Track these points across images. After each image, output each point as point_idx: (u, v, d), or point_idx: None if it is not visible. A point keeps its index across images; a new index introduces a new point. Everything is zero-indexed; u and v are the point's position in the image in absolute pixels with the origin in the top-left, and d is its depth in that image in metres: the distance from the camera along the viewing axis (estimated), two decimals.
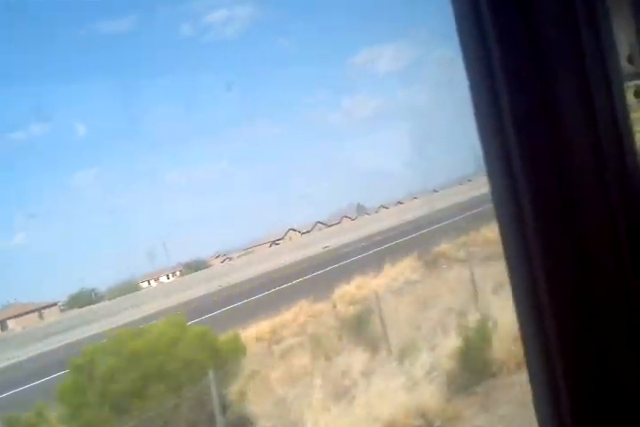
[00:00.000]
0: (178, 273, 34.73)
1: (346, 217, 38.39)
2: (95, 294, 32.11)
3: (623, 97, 0.93)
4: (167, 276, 35.25)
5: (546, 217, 0.93)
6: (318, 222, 38.92)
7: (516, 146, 0.93)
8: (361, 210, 39.86)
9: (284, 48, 36.85)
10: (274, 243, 36.96)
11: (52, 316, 29.23)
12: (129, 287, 30.10)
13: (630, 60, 0.94)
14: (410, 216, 28.60)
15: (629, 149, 0.94)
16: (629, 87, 0.93)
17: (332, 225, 37.65)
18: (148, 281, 34.21)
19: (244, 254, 35.39)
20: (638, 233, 0.94)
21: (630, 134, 0.94)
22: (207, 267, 33.75)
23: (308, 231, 38.53)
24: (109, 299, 29.08)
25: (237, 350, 8.90)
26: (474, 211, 17.17)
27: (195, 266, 33.81)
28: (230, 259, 35.89)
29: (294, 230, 38.30)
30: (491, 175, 0.98)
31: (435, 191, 35.68)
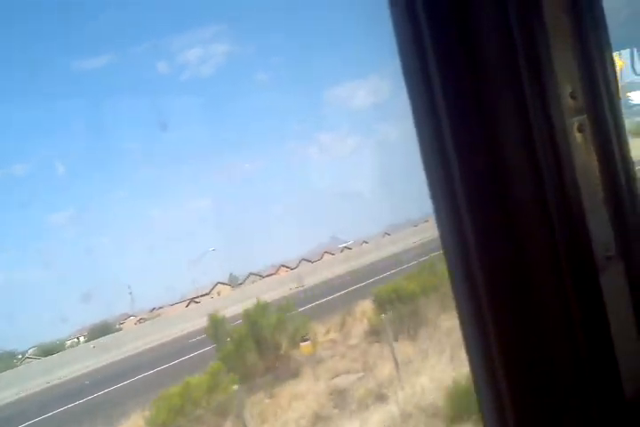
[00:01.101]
0: (82, 338, 31.58)
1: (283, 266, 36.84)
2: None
3: (566, 133, 0.94)
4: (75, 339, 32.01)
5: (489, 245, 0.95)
6: (251, 274, 36.51)
7: (460, 187, 0.94)
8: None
9: (261, 83, 37.51)
10: (193, 300, 34.69)
11: None
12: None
13: (573, 95, 0.95)
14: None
15: (572, 184, 0.95)
16: (574, 122, 0.94)
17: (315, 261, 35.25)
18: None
19: (149, 317, 32.14)
20: (581, 272, 0.95)
21: (573, 171, 0.95)
22: (116, 331, 30.49)
23: (241, 283, 36.10)
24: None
25: None
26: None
27: (101, 330, 30.31)
28: (143, 320, 32.39)
29: (224, 284, 35.89)
30: (436, 210, 0.99)
31: (386, 234, 35.36)
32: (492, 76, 0.93)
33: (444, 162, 0.95)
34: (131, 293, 35.55)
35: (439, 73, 0.93)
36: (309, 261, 36.59)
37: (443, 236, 0.98)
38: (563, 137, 0.94)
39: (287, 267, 36.68)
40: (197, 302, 33.36)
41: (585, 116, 0.96)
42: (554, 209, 0.93)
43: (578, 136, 0.96)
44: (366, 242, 36.16)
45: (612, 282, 0.97)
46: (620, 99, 1.01)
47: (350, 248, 36.76)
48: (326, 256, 36.42)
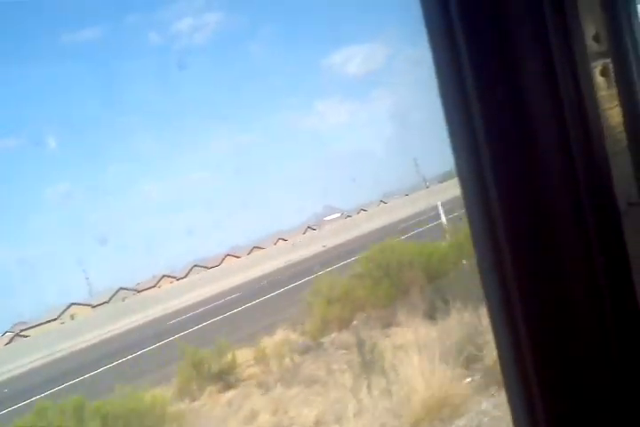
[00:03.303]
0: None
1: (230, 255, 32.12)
2: None
3: (589, 77, 0.93)
4: None
5: (514, 211, 0.94)
6: (195, 265, 31.65)
7: (482, 134, 0.93)
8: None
9: (254, 52, 37.14)
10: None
11: None
12: None
13: (597, 39, 0.93)
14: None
15: (596, 130, 0.93)
16: (597, 66, 0.92)
17: (211, 267, 29.64)
18: None
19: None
20: (608, 233, 0.94)
21: (597, 116, 0.94)
22: None
23: (183, 277, 30.43)
24: None
25: None
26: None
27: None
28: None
29: (169, 276, 30.28)
30: (460, 173, 0.98)
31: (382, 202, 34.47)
32: (515, 21, 0.91)
33: (465, 106, 0.94)
34: (87, 278, 33.22)
35: (461, 23, 0.92)
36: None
37: (463, 181, 0.98)
38: (586, 81, 0.92)
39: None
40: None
41: (609, 59, 0.95)
42: (577, 154, 0.92)
43: (601, 80, 0.94)
44: (364, 210, 35.27)
45: (635, 227, 0.96)
46: None
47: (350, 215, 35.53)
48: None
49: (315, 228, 32.06)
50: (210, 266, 29.47)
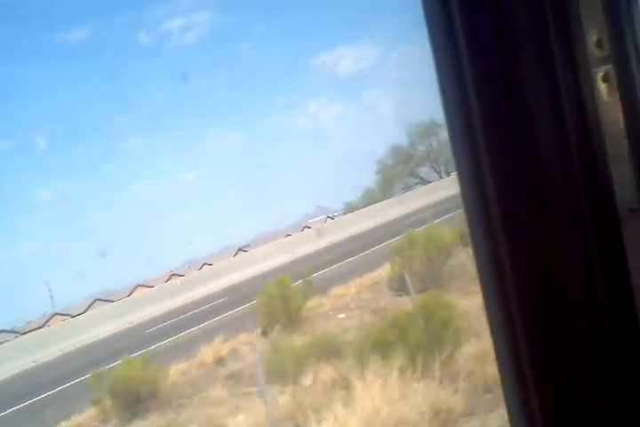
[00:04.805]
0: None
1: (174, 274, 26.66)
2: None
3: (591, 83, 0.93)
4: None
5: (513, 213, 0.94)
6: (139, 285, 25.26)
7: (482, 139, 0.93)
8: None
9: (245, 52, 37.02)
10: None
11: None
12: None
13: (599, 44, 0.93)
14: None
15: (596, 136, 0.94)
16: (599, 72, 0.92)
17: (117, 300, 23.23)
18: None
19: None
20: (608, 239, 0.94)
21: (598, 122, 0.94)
22: None
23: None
24: None
25: None
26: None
27: None
28: None
29: (61, 315, 23.04)
30: (459, 172, 0.98)
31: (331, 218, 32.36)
32: (517, 23, 0.91)
33: (465, 109, 0.94)
34: (50, 289, 30.18)
35: (461, 20, 0.91)
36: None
37: (462, 184, 0.98)
38: (587, 87, 0.92)
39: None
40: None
41: (611, 65, 0.94)
42: (577, 159, 0.92)
43: (603, 86, 0.94)
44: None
45: (635, 234, 0.96)
46: None
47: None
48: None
49: (246, 249, 27.84)
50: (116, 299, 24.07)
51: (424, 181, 37.08)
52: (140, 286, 25.42)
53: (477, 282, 1.02)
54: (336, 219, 31.94)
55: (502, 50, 0.91)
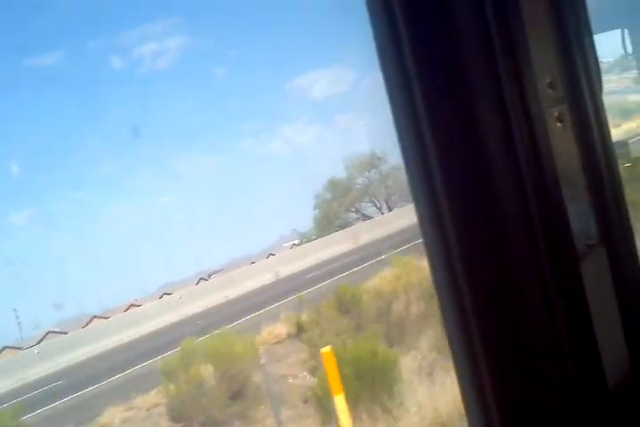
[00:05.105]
0: None
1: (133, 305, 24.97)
2: None
3: (544, 122, 0.94)
4: None
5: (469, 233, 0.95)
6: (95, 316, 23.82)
7: (439, 177, 0.94)
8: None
9: (218, 77, 36.97)
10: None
11: None
12: None
13: (552, 85, 0.95)
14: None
15: (551, 173, 0.94)
16: (553, 113, 0.94)
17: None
18: None
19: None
20: (566, 275, 0.95)
21: (552, 160, 0.95)
22: None
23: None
24: None
25: None
26: None
27: None
28: None
29: (10, 348, 21.89)
30: (416, 202, 0.99)
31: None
32: (468, 67, 0.92)
33: (423, 154, 0.95)
34: (18, 316, 27.97)
35: (413, 58, 0.93)
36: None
37: (422, 224, 0.98)
38: (541, 127, 0.93)
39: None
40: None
41: (565, 105, 0.97)
42: (533, 199, 0.93)
43: (558, 126, 0.96)
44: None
45: (594, 270, 0.97)
46: (601, 85, 1.02)
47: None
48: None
49: (207, 278, 26.93)
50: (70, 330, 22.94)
51: (365, 217, 34.58)
52: (96, 317, 24.43)
53: None
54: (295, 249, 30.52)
55: (453, 84, 0.92)
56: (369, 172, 35.52)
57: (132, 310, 24.28)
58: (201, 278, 27.68)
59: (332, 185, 35.31)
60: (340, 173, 34.57)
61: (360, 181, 35.99)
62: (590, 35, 1.01)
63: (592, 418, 0.95)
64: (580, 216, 0.97)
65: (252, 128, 44.71)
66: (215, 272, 29.65)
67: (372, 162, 34.90)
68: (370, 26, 0.97)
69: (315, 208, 35.27)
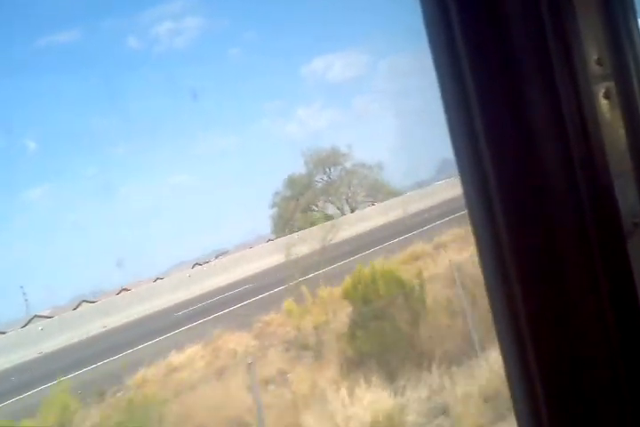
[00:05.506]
0: None
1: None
2: None
3: (592, 99, 0.94)
4: None
5: (519, 224, 0.94)
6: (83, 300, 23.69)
7: (487, 155, 0.94)
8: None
9: (235, 58, 36.31)
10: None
11: None
12: None
13: (599, 62, 0.94)
14: None
15: (599, 151, 0.95)
16: (600, 89, 0.93)
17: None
18: None
19: None
20: (613, 253, 0.95)
21: (600, 138, 0.95)
22: None
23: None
24: None
25: None
26: None
27: None
28: None
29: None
30: (463, 180, 0.99)
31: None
32: (518, 43, 0.92)
33: (470, 129, 0.94)
34: (24, 293, 28.09)
35: (464, 42, 0.93)
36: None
37: (467, 194, 0.98)
38: (589, 103, 0.93)
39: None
40: None
41: (612, 82, 0.96)
42: (580, 175, 0.93)
43: (604, 103, 0.95)
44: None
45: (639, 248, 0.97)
46: None
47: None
48: None
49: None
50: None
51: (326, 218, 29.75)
52: (84, 301, 24.13)
53: None
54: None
55: (504, 65, 0.92)
56: (329, 169, 32.57)
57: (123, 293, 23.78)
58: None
59: (290, 182, 32.07)
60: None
61: (319, 178, 32.89)
62: (636, 15, 1.02)
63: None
64: (626, 195, 0.97)
65: (269, 108, 43.32)
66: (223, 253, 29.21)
67: (335, 159, 32.09)
68: (420, 13, 0.97)
69: (272, 206, 32.27)
